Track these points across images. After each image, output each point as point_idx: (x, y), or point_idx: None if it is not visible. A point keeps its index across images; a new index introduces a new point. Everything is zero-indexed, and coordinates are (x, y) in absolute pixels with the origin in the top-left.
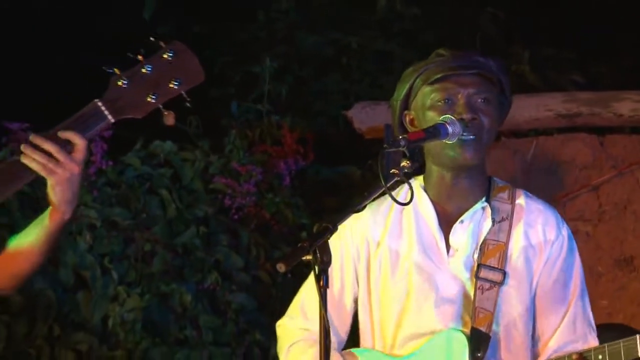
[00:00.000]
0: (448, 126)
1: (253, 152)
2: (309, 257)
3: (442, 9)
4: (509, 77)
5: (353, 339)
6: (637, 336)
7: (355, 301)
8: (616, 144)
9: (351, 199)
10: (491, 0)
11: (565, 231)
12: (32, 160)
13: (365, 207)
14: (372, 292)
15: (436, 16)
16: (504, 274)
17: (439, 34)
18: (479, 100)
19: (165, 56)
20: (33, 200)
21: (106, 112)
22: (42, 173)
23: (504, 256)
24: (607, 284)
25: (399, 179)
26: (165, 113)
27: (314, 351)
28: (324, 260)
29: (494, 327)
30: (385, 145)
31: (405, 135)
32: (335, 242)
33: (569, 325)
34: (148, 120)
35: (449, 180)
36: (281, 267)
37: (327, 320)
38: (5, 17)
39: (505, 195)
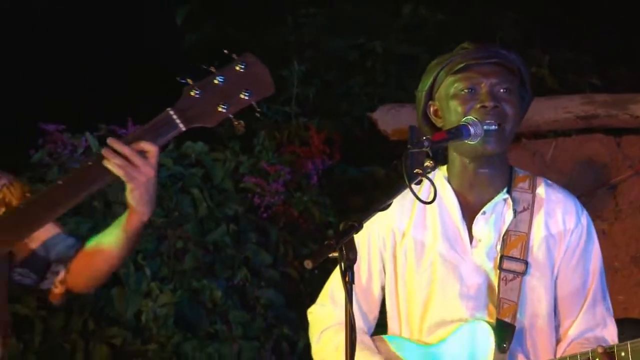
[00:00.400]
0: (470, 127)
1: (281, 152)
2: (335, 254)
3: (465, 14)
4: (529, 71)
5: (382, 325)
6: None
7: (383, 289)
8: (632, 144)
9: (376, 198)
10: (512, 6)
11: (584, 219)
12: (114, 164)
13: (389, 206)
14: (399, 281)
15: (459, 21)
16: (527, 264)
17: (461, 38)
18: (501, 90)
19: (237, 68)
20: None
21: (178, 121)
22: (123, 177)
23: (525, 247)
24: (623, 280)
25: (422, 178)
26: (236, 123)
27: (344, 336)
28: (350, 257)
29: (518, 317)
30: (409, 146)
31: (428, 137)
32: (362, 233)
33: (589, 311)
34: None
35: (471, 170)
36: (308, 264)
37: (353, 315)
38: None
39: (525, 184)
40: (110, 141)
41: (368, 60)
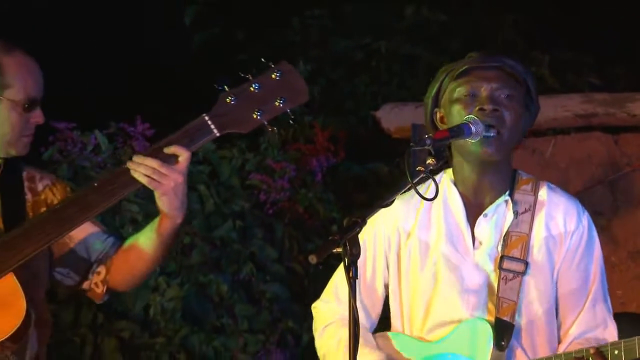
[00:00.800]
0: (471, 126)
1: (287, 150)
2: (339, 249)
3: (467, 15)
4: (535, 82)
5: (384, 322)
6: None
7: (386, 287)
8: (630, 142)
9: (379, 195)
10: (513, 7)
11: (585, 221)
12: (139, 174)
13: (392, 202)
14: (402, 280)
15: (461, 22)
16: (526, 264)
17: (463, 39)
18: (502, 95)
19: (273, 76)
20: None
21: (212, 127)
22: (149, 186)
23: (526, 247)
24: (621, 274)
25: (424, 175)
26: (269, 129)
27: (346, 332)
28: (354, 252)
29: (517, 316)
30: (411, 144)
31: (430, 135)
32: (368, 232)
33: (590, 312)
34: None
35: (475, 175)
36: (313, 259)
37: (357, 310)
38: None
39: (528, 187)
40: (135, 157)
41: (372, 60)
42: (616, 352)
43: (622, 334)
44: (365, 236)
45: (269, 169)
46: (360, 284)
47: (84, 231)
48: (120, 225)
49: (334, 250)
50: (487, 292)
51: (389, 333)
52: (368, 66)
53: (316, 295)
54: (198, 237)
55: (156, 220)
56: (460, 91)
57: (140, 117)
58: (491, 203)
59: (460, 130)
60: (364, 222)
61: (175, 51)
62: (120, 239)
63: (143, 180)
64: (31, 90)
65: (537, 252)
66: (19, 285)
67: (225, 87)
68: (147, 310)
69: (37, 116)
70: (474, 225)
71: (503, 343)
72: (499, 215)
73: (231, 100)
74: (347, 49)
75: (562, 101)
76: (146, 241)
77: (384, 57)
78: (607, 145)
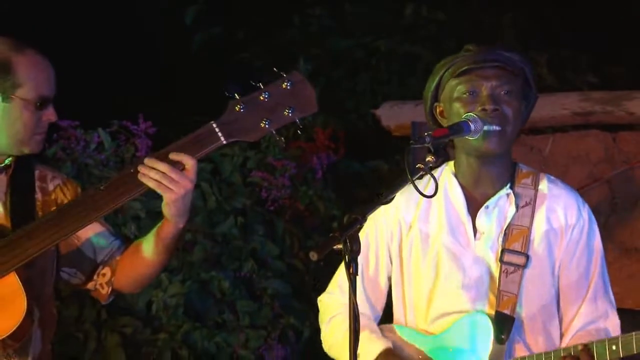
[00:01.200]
0: (470, 124)
1: (288, 148)
2: (339, 246)
3: (465, 14)
4: (533, 69)
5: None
6: None
7: (389, 279)
8: (628, 140)
9: (379, 192)
10: (511, 6)
11: (586, 214)
12: (148, 178)
13: (392, 199)
14: (404, 271)
15: (459, 21)
16: (527, 257)
17: (462, 38)
18: (502, 92)
19: (284, 85)
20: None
21: (220, 134)
22: (158, 190)
23: (527, 240)
24: (617, 271)
25: (423, 173)
26: (277, 139)
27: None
28: (354, 249)
29: (517, 309)
30: (411, 142)
31: (430, 132)
32: (370, 225)
33: (591, 304)
34: (189, 118)
35: (476, 167)
36: (314, 256)
37: (357, 305)
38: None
39: (529, 181)
40: (147, 160)
41: (372, 58)
42: (614, 347)
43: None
44: (368, 230)
45: (270, 167)
46: (364, 278)
47: (90, 230)
48: (122, 222)
49: (335, 247)
50: (488, 284)
51: (393, 325)
52: (368, 65)
53: (317, 291)
54: (200, 234)
55: (158, 225)
56: (460, 90)
57: (143, 115)
58: (492, 195)
59: (460, 128)
60: (364, 219)
61: (177, 50)
62: (126, 241)
63: (152, 184)
64: (43, 88)
65: (538, 245)
66: (20, 284)
67: (236, 95)
68: (150, 307)
69: (50, 114)
70: (474, 217)
71: (503, 337)
72: (500, 208)
73: (240, 108)
74: (348, 47)
75: (560, 99)
76: (148, 245)
77: (383, 56)
78: (604, 143)
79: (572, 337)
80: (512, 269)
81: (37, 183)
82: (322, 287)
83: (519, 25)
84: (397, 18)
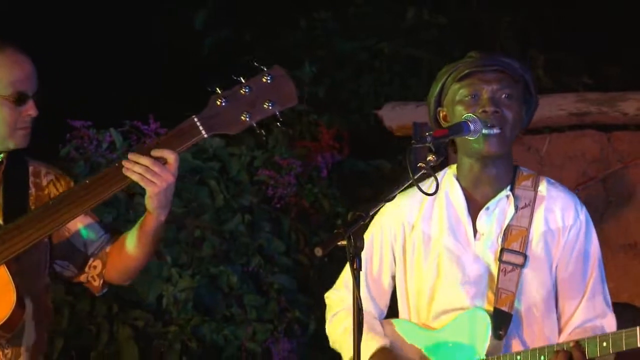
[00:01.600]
0: (470, 124)
1: (293, 147)
2: (343, 242)
3: (465, 18)
4: (533, 76)
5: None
6: (638, 328)
7: (393, 278)
8: (622, 140)
9: (382, 190)
10: (509, 10)
11: (583, 215)
12: (132, 172)
13: (394, 197)
14: (408, 270)
15: (460, 24)
16: (525, 257)
17: (462, 41)
18: (503, 95)
19: (264, 79)
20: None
21: (201, 128)
22: (142, 183)
23: (525, 240)
24: (613, 267)
25: (425, 172)
26: (258, 132)
27: (352, 320)
28: (357, 245)
29: (515, 306)
30: (413, 142)
31: (430, 132)
32: (375, 226)
33: (589, 304)
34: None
35: (477, 170)
36: (319, 252)
37: (360, 299)
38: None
39: (529, 183)
40: (130, 155)
41: (375, 60)
42: (604, 343)
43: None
44: (373, 231)
45: (277, 165)
46: (368, 277)
47: (80, 223)
48: (134, 219)
49: (339, 243)
50: (487, 282)
51: (393, 320)
52: (371, 67)
53: (322, 286)
54: (209, 231)
55: (141, 219)
56: (462, 93)
57: (153, 116)
58: (492, 197)
59: (460, 128)
60: (367, 217)
61: (187, 52)
62: (114, 235)
63: (136, 178)
64: (20, 84)
65: (536, 245)
66: (10, 277)
67: (217, 89)
68: (160, 301)
69: (30, 109)
70: (475, 218)
71: (501, 332)
72: (500, 209)
73: (222, 102)
74: (351, 50)
75: (556, 100)
76: (132, 240)
77: (386, 58)
78: (600, 142)
79: (570, 334)
80: (510, 267)
81: (31, 178)
82: (326, 281)
83: (516, 28)
84: (400, 21)
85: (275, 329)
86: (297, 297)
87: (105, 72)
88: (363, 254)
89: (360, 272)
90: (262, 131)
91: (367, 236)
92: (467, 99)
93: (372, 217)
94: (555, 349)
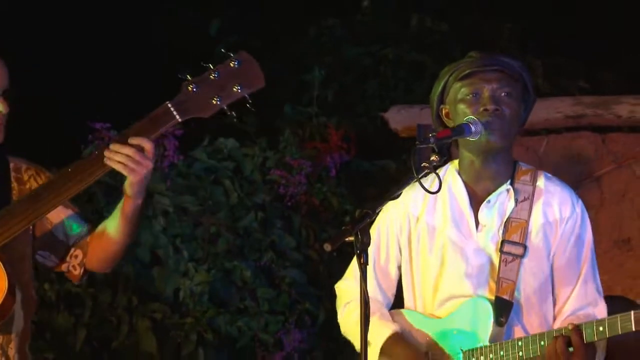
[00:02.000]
0: (471, 126)
1: (304, 148)
2: (351, 238)
3: (466, 24)
4: (531, 76)
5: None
6: (632, 312)
7: (399, 269)
8: (616, 141)
9: (388, 189)
10: (508, 17)
11: (579, 208)
12: (114, 162)
13: (399, 195)
14: (413, 261)
15: (461, 31)
16: (525, 247)
17: (463, 46)
18: (502, 94)
19: (231, 64)
20: (114, 188)
21: (175, 113)
22: (124, 172)
23: (524, 232)
24: (607, 261)
25: (428, 171)
26: (229, 113)
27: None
28: (364, 241)
29: (515, 294)
30: (417, 142)
31: (434, 134)
32: (382, 219)
33: (581, 291)
34: (214, 121)
35: (478, 164)
36: (327, 247)
37: (367, 292)
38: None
39: (527, 177)
40: (112, 145)
41: (381, 65)
42: (601, 328)
43: (608, 313)
44: (380, 223)
45: (288, 165)
46: (376, 267)
47: (62, 214)
48: (153, 216)
49: (347, 239)
50: (489, 272)
51: (402, 310)
52: (377, 71)
53: (331, 279)
54: (223, 228)
55: (120, 204)
56: (464, 92)
57: None
58: (493, 191)
59: (461, 130)
60: (374, 214)
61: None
62: (92, 225)
63: (118, 167)
64: None
65: (535, 236)
66: (1, 265)
67: (188, 76)
68: (177, 294)
69: None
70: (477, 211)
71: (502, 319)
72: (501, 202)
73: (193, 88)
74: (358, 55)
75: (554, 103)
76: (113, 223)
77: (391, 63)
78: (595, 143)
79: (563, 321)
80: (510, 258)
81: (13, 174)
82: (335, 275)
83: (515, 34)
84: (404, 28)
85: (287, 320)
86: (307, 290)
87: (125, 75)
88: (371, 246)
89: (367, 266)
90: (233, 113)
91: (375, 228)
92: (468, 97)
93: (378, 214)
94: (554, 334)
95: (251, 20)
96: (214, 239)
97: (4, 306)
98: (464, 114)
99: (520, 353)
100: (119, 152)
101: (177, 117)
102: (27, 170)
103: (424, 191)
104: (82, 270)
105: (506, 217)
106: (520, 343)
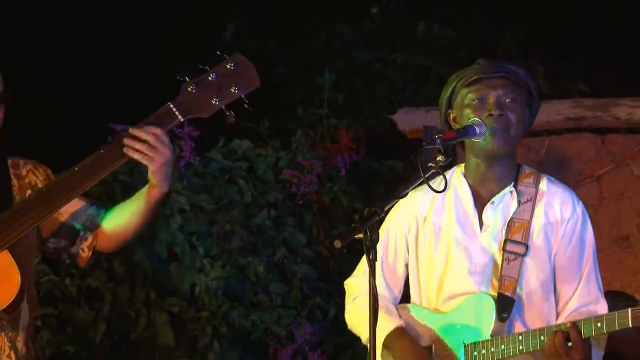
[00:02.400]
0: (476, 127)
1: (315, 148)
2: (360, 235)
3: (471, 30)
4: (535, 82)
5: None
6: (629, 309)
7: (406, 267)
8: (615, 142)
9: (396, 188)
10: (512, 23)
11: (579, 209)
12: (134, 151)
13: (407, 194)
14: (419, 259)
15: (466, 36)
16: (527, 247)
17: (468, 51)
18: (507, 100)
19: (228, 66)
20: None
21: (177, 113)
22: (143, 161)
23: (527, 232)
24: (607, 258)
25: (434, 171)
26: (227, 113)
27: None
28: (373, 238)
29: (517, 291)
30: (423, 144)
31: (440, 135)
32: (391, 219)
33: (584, 290)
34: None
35: (483, 168)
36: (337, 244)
37: (375, 288)
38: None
39: (530, 180)
40: (131, 130)
41: (389, 70)
42: (599, 324)
43: (608, 308)
44: (389, 222)
45: (299, 165)
46: (384, 265)
47: (73, 206)
48: (170, 214)
49: (356, 236)
50: (492, 270)
51: (408, 305)
52: (385, 75)
53: (341, 275)
54: (238, 225)
55: (145, 190)
56: (470, 97)
57: (187, 120)
58: (497, 193)
59: (466, 131)
60: (382, 212)
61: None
62: (103, 208)
63: (137, 156)
64: None
65: (537, 236)
66: (13, 260)
67: (187, 77)
68: (194, 289)
69: None
70: (481, 212)
71: (504, 315)
72: (505, 203)
73: (192, 89)
74: (367, 60)
75: (555, 106)
76: (134, 208)
77: (399, 68)
78: (594, 144)
79: (566, 317)
80: (513, 257)
81: (11, 170)
82: (345, 270)
83: (518, 39)
84: (411, 34)
85: (298, 314)
86: (318, 285)
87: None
88: (380, 244)
89: (376, 262)
90: (231, 112)
91: (384, 228)
92: (474, 102)
93: (387, 212)
94: (554, 330)
95: (265, 25)
96: (228, 236)
97: (16, 301)
98: (469, 118)
99: (521, 347)
100: (138, 139)
101: (180, 117)
102: (25, 166)
103: (431, 193)
104: (90, 253)
105: (509, 217)
106: (520, 337)
